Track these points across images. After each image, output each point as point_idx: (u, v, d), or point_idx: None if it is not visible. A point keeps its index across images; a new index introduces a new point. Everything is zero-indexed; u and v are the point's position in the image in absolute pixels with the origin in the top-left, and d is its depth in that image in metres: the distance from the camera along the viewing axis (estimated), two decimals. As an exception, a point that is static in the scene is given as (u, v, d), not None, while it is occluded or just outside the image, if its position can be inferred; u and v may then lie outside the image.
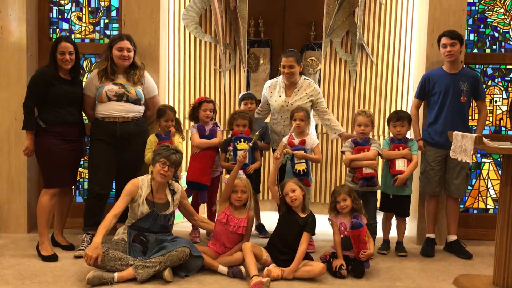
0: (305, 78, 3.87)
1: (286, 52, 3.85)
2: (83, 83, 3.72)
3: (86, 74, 4.12)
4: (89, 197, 3.61)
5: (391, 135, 3.79)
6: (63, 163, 3.46)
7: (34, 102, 3.42)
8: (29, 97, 3.43)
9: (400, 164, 3.58)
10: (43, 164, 3.51)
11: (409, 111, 3.97)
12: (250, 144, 3.50)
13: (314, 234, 3.29)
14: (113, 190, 3.80)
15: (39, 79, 3.43)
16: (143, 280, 2.93)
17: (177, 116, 3.87)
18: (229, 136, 3.82)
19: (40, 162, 3.54)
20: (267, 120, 4.13)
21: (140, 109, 3.66)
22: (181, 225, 4.11)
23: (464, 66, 3.83)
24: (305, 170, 3.56)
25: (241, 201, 3.30)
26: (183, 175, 4.12)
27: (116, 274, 2.93)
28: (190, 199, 3.84)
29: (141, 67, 3.68)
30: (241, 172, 3.45)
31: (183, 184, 3.96)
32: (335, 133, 3.90)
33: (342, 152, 3.74)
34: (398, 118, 3.66)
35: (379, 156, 3.67)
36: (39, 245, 3.46)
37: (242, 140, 3.62)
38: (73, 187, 3.96)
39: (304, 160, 3.56)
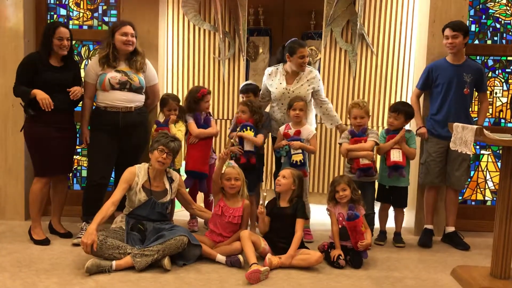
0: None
1: (300, 42, 3.75)
2: (82, 70, 3.68)
3: (84, 61, 4.08)
4: (88, 186, 3.59)
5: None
6: (54, 151, 3.41)
7: (21, 83, 3.34)
8: (16, 82, 3.37)
9: (395, 155, 3.58)
10: (33, 153, 3.47)
11: (409, 101, 3.96)
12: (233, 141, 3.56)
13: (306, 218, 3.29)
14: (112, 179, 3.77)
15: (26, 64, 3.37)
16: (141, 269, 2.93)
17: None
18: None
19: (30, 150, 3.50)
20: (267, 109, 4.11)
21: (142, 98, 3.63)
22: (179, 213, 4.11)
23: (466, 57, 3.81)
24: (302, 161, 3.56)
25: (235, 188, 3.29)
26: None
27: (114, 263, 2.92)
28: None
29: (143, 54, 3.64)
30: (232, 162, 3.45)
31: (182, 173, 3.94)
32: (331, 123, 3.89)
33: (340, 144, 3.74)
34: (395, 110, 3.66)
35: (376, 152, 3.67)
36: (31, 229, 3.48)
37: (248, 128, 3.62)
38: (70, 175, 3.95)
39: (300, 151, 3.56)
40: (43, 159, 3.42)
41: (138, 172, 3.24)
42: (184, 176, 3.84)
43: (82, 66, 4.03)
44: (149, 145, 3.54)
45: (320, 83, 3.84)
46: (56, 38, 3.35)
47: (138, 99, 3.59)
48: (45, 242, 3.41)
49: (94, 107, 3.66)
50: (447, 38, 3.63)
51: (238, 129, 3.62)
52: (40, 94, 3.28)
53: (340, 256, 3.15)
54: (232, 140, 3.53)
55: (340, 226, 3.26)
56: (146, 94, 3.72)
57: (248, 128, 3.62)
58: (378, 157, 3.83)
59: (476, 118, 3.93)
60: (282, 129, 3.69)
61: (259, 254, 3.17)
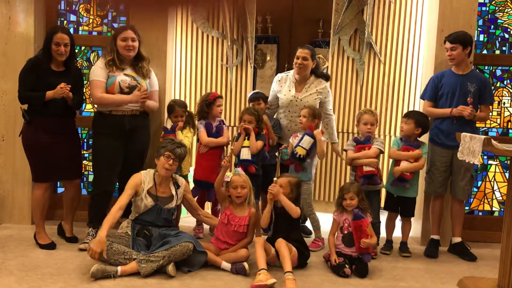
0: (316, 77, 3.86)
1: (302, 46, 3.84)
2: (89, 73, 3.69)
3: (92, 68, 4.11)
4: (96, 193, 3.57)
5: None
6: (51, 157, 3.38)
7: (28, 89, 3.33)
8: (21, 88, 3.36)
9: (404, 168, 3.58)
10: (29, 158, 3.46)
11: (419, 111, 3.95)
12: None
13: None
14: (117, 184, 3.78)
15: (27, 69, 3.35)
16: (147, 275, 2.92)
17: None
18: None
19: (27, 155, 3.47)
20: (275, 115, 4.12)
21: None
22: (184, 220, 4.11)
23: (473, 68, 3.80)
24: (302, 156, 3.54)
25: (241, 197, 3.28)
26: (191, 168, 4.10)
27: (119, 268, 2.92)
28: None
29: (147, 59, 3.65)
30: (239, 169, 3.45)
31: (189, 180, 3.94)
32: (327, 138, 3.93)
33: (345, 150, 3.75)
34: (406, 115, 3.69)
35: (388, 155, 3.66)
36: (36, 234, 3.49)
37: (246, 138, 3.64)
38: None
39: (305, 145, 3.54)
40: (38, 164, 3.41)
41: (144, 178, 3.25)
42: (191, 184, 3.85)
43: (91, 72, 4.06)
44: (153, 150, 3.53)
45: (329, 95, 3.86)
46: (54, 43, 3.34)
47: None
48: (51, 246, 3.42)
49: (96, 112, 3.65)
50: (447, 50, 3.65)
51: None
52: (54, 93, 3.28)
53: (346, 265, 3.14)
54: (225, 161, 3.44)
55: (345, 232, 3.26)
56: None
57: (246, 138, 3.63)
58: (385, 164, 3.82)
59: (484, 128, 3.91)
60: (291, 139, 3.70)
61: (267, 261, 3.16)
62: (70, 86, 3.30)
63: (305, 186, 3.60)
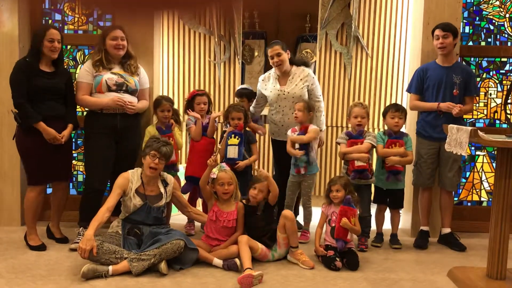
0: (297, 66, 3.85)
1: (269, 44, 3.84)
2: (77, 74, 3.67)
3: (79, 66, 4.08)
4: (88, 192, 3.55)
5: (385, 127, 3.79)
6: (46, 160, 3.36)
7: (23, 96, 3.28)
8: (16, 94, 3.30)
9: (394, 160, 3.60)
10: (24, 161, 3.44)
11: (404, 105, 3.97)
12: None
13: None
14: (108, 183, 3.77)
15: (18, 72, 3.30)
16: (138, 273, 2.92)
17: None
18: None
19: (22, 159, 3.46)
20: (265, 112, 4.12)
21: (136, 101, 3.63)
22: (176, 217, 4.10)
23: (459, 60, 3.82)
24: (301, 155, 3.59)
25: (228, 193, 3.29)
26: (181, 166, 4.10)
27: (110, 267, 2.91)
28: (187, 196, 3.84)
29: (135, 57, 3.65)
30: (224, 164, 3.45)
31: (181, 178, 3.94)
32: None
33: (338, 143, 3.76)
34: (398, 109, 3.66)
35: (375, 150, 3.68)
36: (26, 235, 3.46)
37: (233, 135, 3.62)
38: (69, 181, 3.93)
39: (303, 152, 3.59)
40: (34, 168, 3.38)
41: (131, 178, 3.23)
42: (183, 181, 3.85)
43: (78, 71, 4.03)
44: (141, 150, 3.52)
45: (315, 82, 3.84)
46: (47, 40, 3.30)
47: (134, 101, 3.59)
48: (41, 247, 3.40)
49: (88, 111, 3.63)
50: (438, 39, 3.64)
51: (225, 136, 3.66)
52: (47, 134, 3.29)
53: (337, 258, 3.16)
54: (212, 159, 3.37)
55: (333, 224, 3.28)
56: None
57: (233, 135, 3.63)
58: (374, 159, 3.84)
59: (471, 119, 3.94)
60: (289, 133, 3.71)
61: (257, 258, 3.18)
62: (64, 137, 3.37)
63: (311, 180, 3.71)
